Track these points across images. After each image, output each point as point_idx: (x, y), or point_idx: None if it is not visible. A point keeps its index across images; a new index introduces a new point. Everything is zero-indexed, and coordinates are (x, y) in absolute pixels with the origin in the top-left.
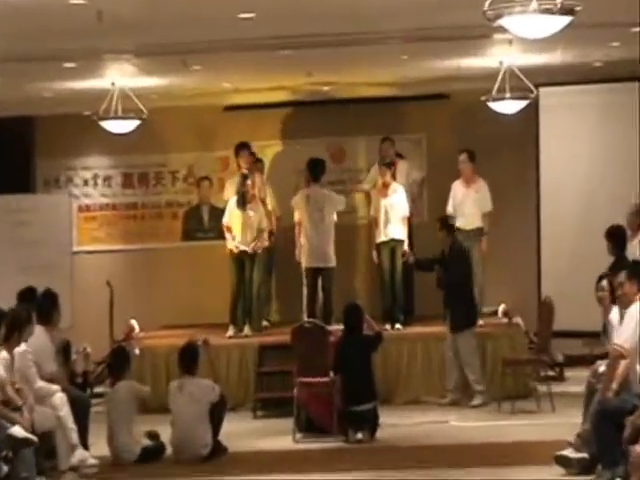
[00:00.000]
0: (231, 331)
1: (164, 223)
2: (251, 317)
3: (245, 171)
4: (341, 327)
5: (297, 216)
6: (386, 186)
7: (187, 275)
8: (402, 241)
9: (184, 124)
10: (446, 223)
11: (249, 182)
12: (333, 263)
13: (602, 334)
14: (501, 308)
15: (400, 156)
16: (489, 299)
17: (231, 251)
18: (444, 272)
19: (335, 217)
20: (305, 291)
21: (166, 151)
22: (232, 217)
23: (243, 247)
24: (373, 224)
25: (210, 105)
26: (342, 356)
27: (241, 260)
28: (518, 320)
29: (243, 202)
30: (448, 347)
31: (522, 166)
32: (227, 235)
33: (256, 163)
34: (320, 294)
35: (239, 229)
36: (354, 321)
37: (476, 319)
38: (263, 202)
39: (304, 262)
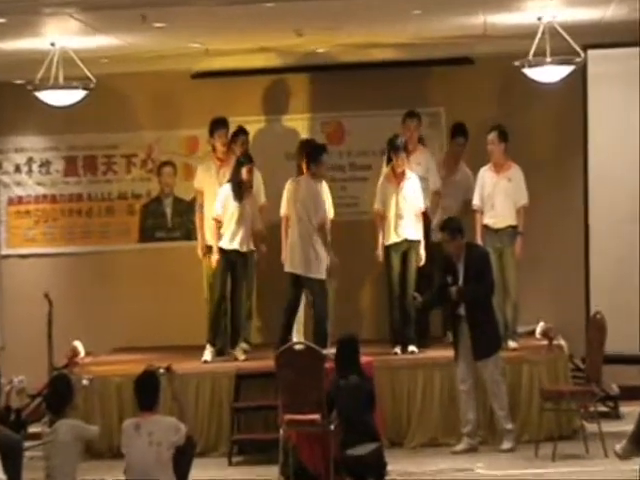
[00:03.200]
0: (208, 354)
1: (117, 219)
2: (238, 335)
3: (242, 157)
4: None
5: (284, 210)
6: (399, 174)
7: (146, 285)
8: (417, 242)
9: (142, 95)
10: (451, 224)
11: (245, 169)
12: (318, 274)
13: None
14: (540, 327)
15: (420, 141)
16: (525, 315)
17: (220, 250)
18: (465, 285)
19: (332, 214)
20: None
21: (119, 129)
22: (226, 209)
23: (235, 246)
24: (378, 220)
25: (175, 71)
26: (334, 396)
27: (231, 262)
28: (561, 342)
29: (238, 193)
30: (461, 379)
31: (566, 148)
32: (212, 230)
33: (237, 137)
34: (311, 311)
35: (232, 225)
36: (348, 358)
37: (502, 340)
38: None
39: (286, 265)
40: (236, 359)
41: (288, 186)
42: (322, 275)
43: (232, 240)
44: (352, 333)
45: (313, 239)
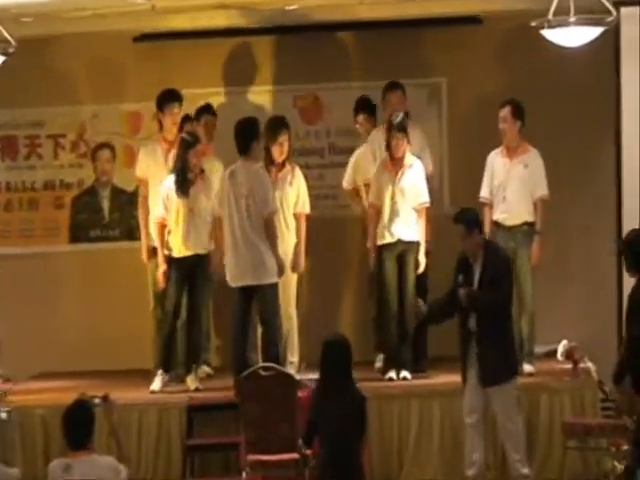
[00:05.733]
0: (159, 381)
1: (42, 215)
2: (198, 358)
3: (186, 136)
4: (315, 376)
5: (219, 206)
6: (398, 159)
7: (78, 295)
8: (416, 244)
9: (73, 62)
10: (467, 216)
11: (193, 151)
12: (272, 278)
13: None
14: (562, 347)
15: (407, 116)
16: (544, 332)
17: (171, 260)
18: (479, 291)
19: (307, 208)
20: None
21: (45, 103)
22: (170, 208)
23: (189, 251)
24: (371, 216)
25: (114, 33)
26: (319, 417)
27: (188, 271)
28: (588, 365)
29: (183, 185)
30: (468, 410)
31: (594, 127)
32: (156, 236)
33: (200, 117)
34: (260, 330)
35: (181, 226)
36: (337, 365)
37: (518, 365)
38: None
39: (227, 278)
40: (196, 388)
41: (223, 177)
42: (275, 278)
43: (185, 245)
44: (341, 334)
45: (261, 238)
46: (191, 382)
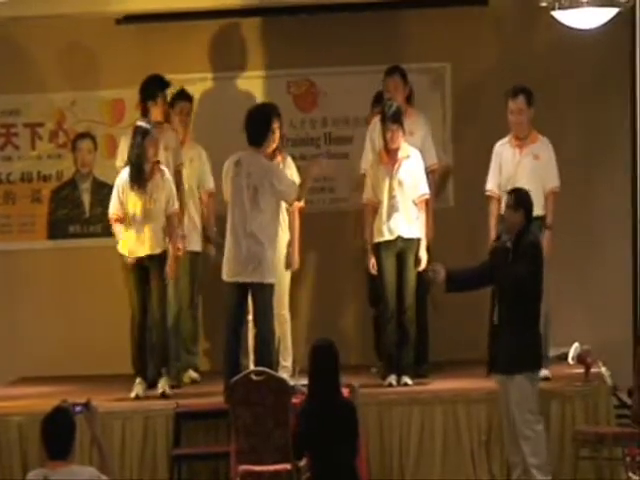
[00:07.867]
0: (138, 388)
1: (18, 209)
2: (168, 364)
3: (143, 123)
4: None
5: (227, 196)
6: (393, 151)
7: (58, 295)
8: (416, 241)
9: (51, 46)
10: (521, 191)
11: (150, 140)
12: (272, 277)
13: None
14: (574, 350)
15: (408, 101)
16: (554, 334)
17: (126, 259)
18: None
19: (289, 201)
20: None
21: (21, 90)
22: (125, 202)
23: (144, 250)
24: (368, 214)
25: (95, 14)
26: (306, 429)
27: (142, 272)
28: (601, 370)
29: (139, 177)
30: (501, 400)
31: (608, 115)
32: (117, 231)
33: (176, 102)
34: (251, 334)
35: (135, 222)
36: (323, 372)
37: (539, 360)
38: (178, 173)
39: (223, 273)
40: (163, 393)
41: (228, 164)
42: (274, 278)
43: (138, 242)
44: (328, 339)
45: (264, 233)
46: (160, 386)
